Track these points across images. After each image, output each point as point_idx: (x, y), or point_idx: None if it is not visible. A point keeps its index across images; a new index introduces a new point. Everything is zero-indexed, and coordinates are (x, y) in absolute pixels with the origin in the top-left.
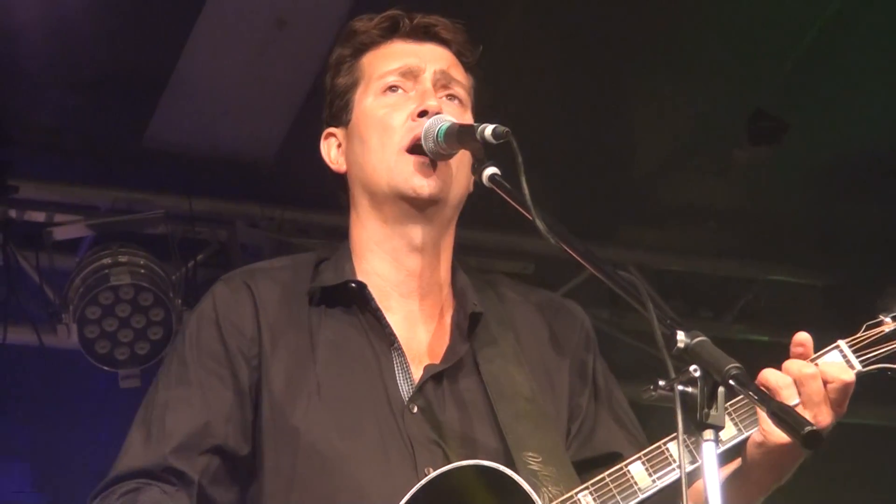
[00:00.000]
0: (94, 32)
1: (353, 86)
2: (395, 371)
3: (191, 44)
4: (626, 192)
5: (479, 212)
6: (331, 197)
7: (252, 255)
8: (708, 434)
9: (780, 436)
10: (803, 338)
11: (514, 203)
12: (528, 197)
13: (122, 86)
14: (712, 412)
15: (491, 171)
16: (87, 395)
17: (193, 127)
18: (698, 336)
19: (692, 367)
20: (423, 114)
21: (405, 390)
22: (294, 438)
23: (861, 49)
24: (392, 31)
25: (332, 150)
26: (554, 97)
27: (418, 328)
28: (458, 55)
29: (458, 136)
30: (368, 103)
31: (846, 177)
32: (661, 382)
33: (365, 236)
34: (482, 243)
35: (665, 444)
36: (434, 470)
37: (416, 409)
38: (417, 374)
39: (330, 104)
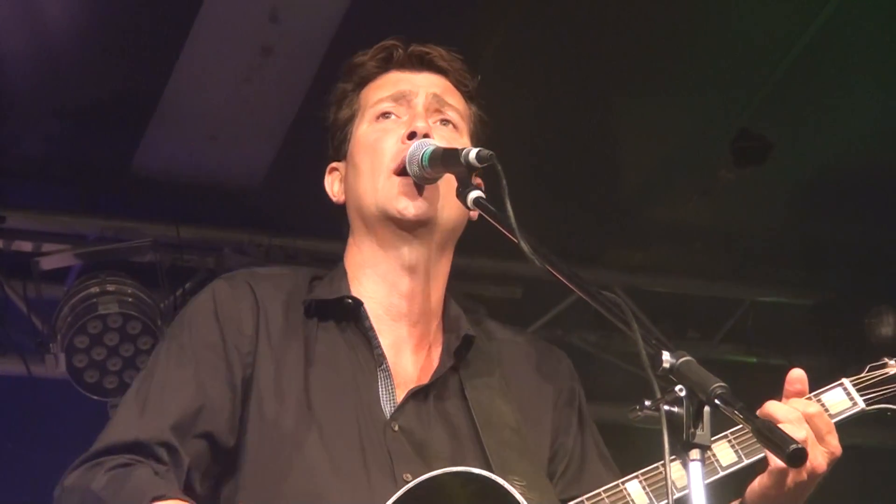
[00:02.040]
0: (80, 61)
1: (352, 118)
2: (378, 391)
3: (177, 72)
4: (611, 214)
5: (466, 237)
6: (317, 222)
7: None
8: (694, 454)
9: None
10: (798, 375)
11: (498, 226)
12: (512, 220)
13: (109, 114)
14: (698, 432)
15: (475, 194)
16: (76, 425)
17: (180, 155)
18: (684, 356)
19: (678, 387)
20: (412, 136)
21: (388, 409)
22: (278, 440)
23: (842, 67)
24: (388, 62)
25: (334, 184)
26: (538, 119)
27: (406, 354)
28: (456, 84)
29: (443, 159)
30: (362, 130)
31: (831, 194)
32: (647, 403)
33: (359, 259)
34: (470, 268)
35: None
36: (412, 477)
37: (396, 428)
38: (401, 395)
39: (332, 138)
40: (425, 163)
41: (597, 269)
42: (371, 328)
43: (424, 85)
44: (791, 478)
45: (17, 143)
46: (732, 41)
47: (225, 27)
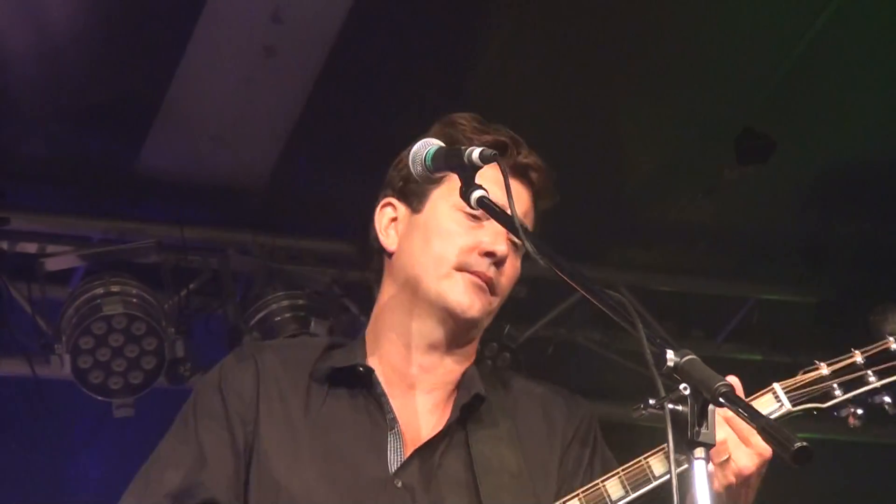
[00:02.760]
0: (84, 63)
1: (436, 182)
2: (387, 449)
3: (180, 73)
4: (615, 213)
5: None
6: (321, 223)
7: (244, 282)
8: (699, 452)
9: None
10: (731, 381)
11: (502, 225)
12: (516, 219)
13: (113, 115)
14: (703, 430)
15: (479, 193)
16: (81, 425)
17: (184, 156)
18: (688, 354)
19: (682, 386)
20: (489, 254)
21: (393, 468)
22: (275, 496)
23: (846, 64)
24: (496, 152)
25: (384, 220)
26: (542, 117)
27: (418, 416)
28: (535, 199)
29: (446, 159)
30: (445, 209)
31: (835, 192)
32: (651, 401)
33: (388, 322)
34: None
35: (646, 458)
36: None
37: (400, 485)
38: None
39: (402, 178)
40: (428, 162)
41: (601, 268)
42: (383, 394)
43: (517, 202)
44: (718, 482)
45: (21, 144)
46: (736, 39)
47: (227, 28)
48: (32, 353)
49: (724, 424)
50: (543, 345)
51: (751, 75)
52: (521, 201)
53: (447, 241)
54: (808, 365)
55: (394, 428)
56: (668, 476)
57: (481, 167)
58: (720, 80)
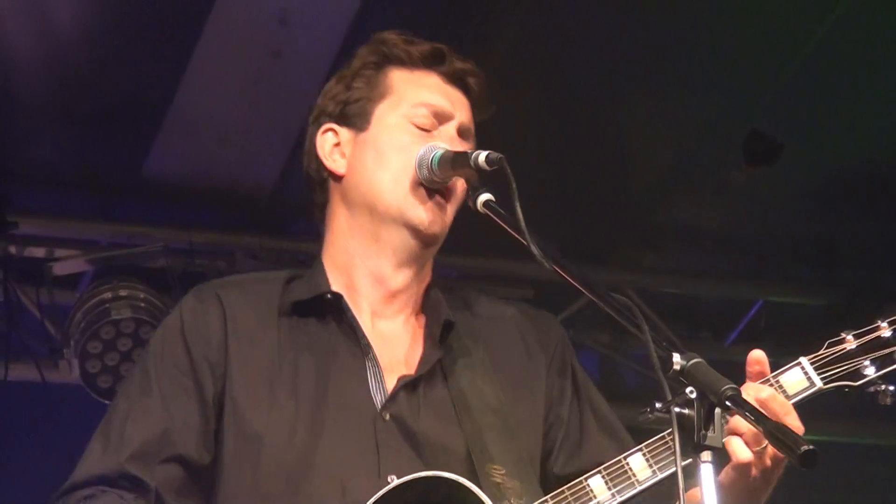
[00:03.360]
0: (91, 67)
1: (377, 98)
2: (368, 379)
3: (187, 76)
4: (622, 215)
5: (477, 239)
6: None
7: None
8: (706, 455)
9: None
10: (758, 356)
11: (508, 228)
12: (522, 222)
13: (120, 119)
14: (709, 433)
15: (485, 197)
16: (90, 430)
17: (191, 159)
18: (694, 358)
19: (688, 389)
20: None
21: (378, 399)
22: (255, 446)
23: (855, 65)
24: (430, 63)
25: (326, 146)
26: (547, 120)
27: (392, 341)
28: (474, 107)
29: (453, 163)
30: (393, 122)
31: (844, 194)
32: (658, 405)
33: (350, 248)
34: (481, 270)
35: (626, 458)
36: (398, 477)
37: (388, 417)
38: (391, 383)
39: (339, 101)
40: (435, 166)
41: (608, 271)
42: (354, 319)
43: (459, 108)
44: (755, 468)
45: (29, 149)
46: (743, 40)
47: (234, 31)
48: (41, 358)
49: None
50: None
51: (758, 77)
52: (461, 107)
53: (403, 153)
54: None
55: (369, 354)
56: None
57: (488, 170)
58: (728, 82)
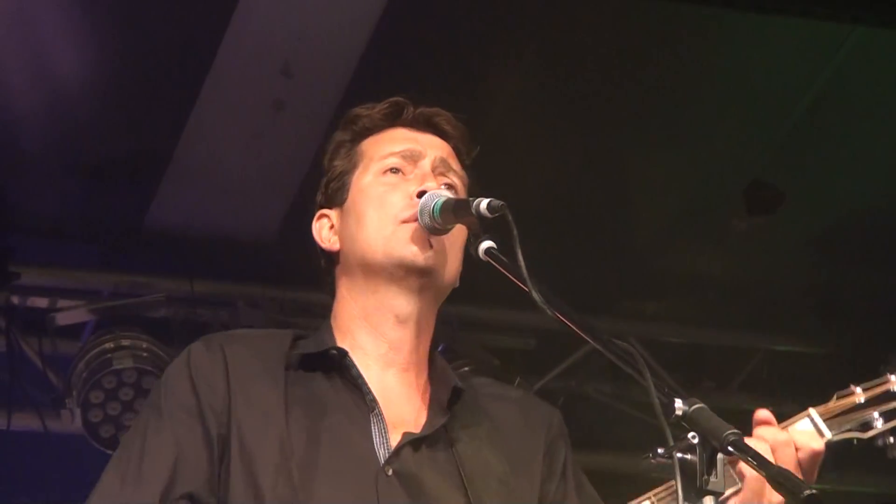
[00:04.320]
0: (93, 119)
1: (351, 168)
2: (372, 434)
3: (189, 128)
4: (624, 264)
5: (480, 288)
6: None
7: None
8: (708, 500)
9: (755, 500)
10: (766, 415)
11: (510, 276)
12: (524, 269)
13: (123, 171)
14: (712, 479)
15: (487, 244)
16: (92, 479)
17: (193, 210)
18: (696, 403)
19: (690, 435)
20: (421, 195)
21: (382, 453)
22: (259, 492)
23: (856, 113)
24: (394, 118)
25: (323, 231)
26: (549, 169)
27: (397, 399)
28: (456, 150)
29: (455, 210)
30: (367, 181)
31: (845, 242)
32: (660, 450)
33: (352, 310)
34: (484, 318)
35: None
36: None
37: (390, 472)
38: (395, 439)
39: (325, 186)
40: (436, 214)
41: (611, 320)
42: (360, 375)
43: (431, 147)
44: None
45: (32, 200)
46: (745, 89)
47: (237, 82)
48: (43, 408)
49: (768, 453)
50: (554, 397)
51: (760, 126)
52: (433, 146)
53: (380, 205)
54: None
55: (374, 409)
56: None
57: (490, 217)
58: (730, 131)
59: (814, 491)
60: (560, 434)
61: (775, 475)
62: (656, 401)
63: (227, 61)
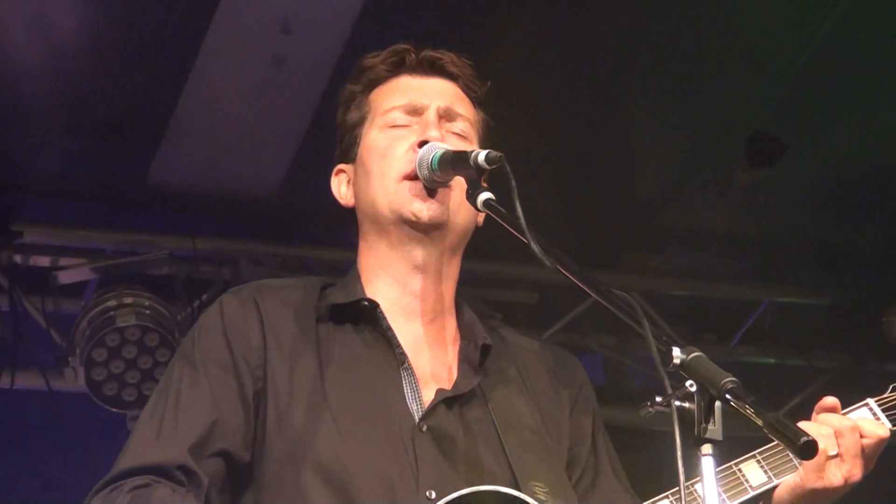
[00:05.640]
0: (94, 77)
1: (361, 121)
2: (404, 390)
3: (190, 85)
4: (627, 218)
5: (482, 241)
6: (333, 232)
7: None
8: (706, 448)
9: (814, 482)
10: (832, 402)
11: (508, 227)
12: (522, 221)
13: (124, 129)
14: (710, 426)
15: (485, 195)
16: (96, 437)
17: (195, 167)
18: (694, 352)
19: (688, 383)
20: (422, 144)
21: (415, 409)
22: (298, 451)
23: (858, 66)
24: (399, 66)
25: (342, 186)
26: (553, 123)
27: (425, 351)
28: (465, 89)
29: (452, 162)
30: (373, 136)
31: (848, 195)
32: (658, 399)
33: (372, 262)
34: (486, 274)
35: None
36: (436, 492)
37: (425, 429)
38: (427, 395)
39: (340, 141)
40: (435, 166)
41: (614, 273)
42: (389, 328)
43: (435, 94)
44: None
45: (34, 159)
46: (746, 42)
47: (237, 39)
48: (47, 366)
49: (832, 438)
50: None
51: (763, 79)
52: (438, 93)
53: (384, 158)
54: (823, 367)
55: (404, 363)
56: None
57: (487, 169)
58: (733, 84)
59: (810, 438)
60: (586, 391)
61: (772, 422)
62: (654, 349)
63: (227, 18)
